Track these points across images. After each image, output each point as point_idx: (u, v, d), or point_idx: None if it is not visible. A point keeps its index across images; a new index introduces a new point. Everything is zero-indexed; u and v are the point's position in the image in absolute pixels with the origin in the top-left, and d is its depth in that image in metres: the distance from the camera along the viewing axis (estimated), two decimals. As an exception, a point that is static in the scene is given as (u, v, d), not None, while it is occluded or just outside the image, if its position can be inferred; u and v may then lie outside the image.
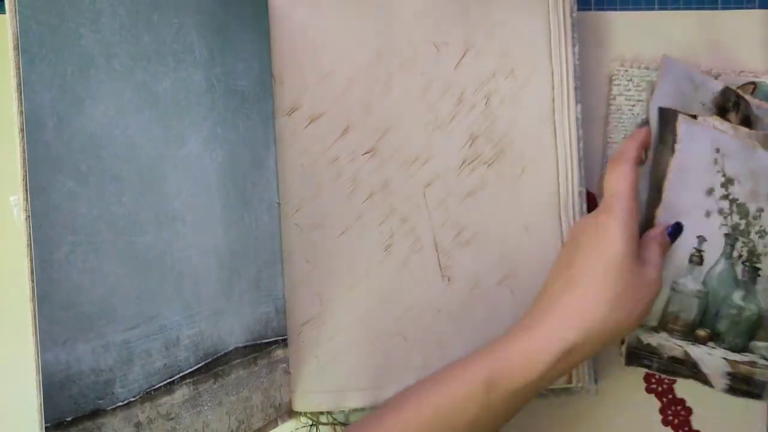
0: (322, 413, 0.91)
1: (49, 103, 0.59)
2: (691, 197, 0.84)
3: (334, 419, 0.94)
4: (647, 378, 0.95)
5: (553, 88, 0.90)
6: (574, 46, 0.90)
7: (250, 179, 0.81)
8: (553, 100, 0.90)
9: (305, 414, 0.90)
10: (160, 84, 0.68)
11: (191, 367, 0.72)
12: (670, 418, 0.95)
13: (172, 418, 0.69)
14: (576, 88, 0.90)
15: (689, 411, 0.95)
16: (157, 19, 0.68)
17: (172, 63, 0.70)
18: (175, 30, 0.71)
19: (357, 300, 0.89)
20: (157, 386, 0.67)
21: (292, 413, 0.88)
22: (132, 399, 0.65)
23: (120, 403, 0.64)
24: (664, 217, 0.85)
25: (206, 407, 0.74)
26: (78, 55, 0.61)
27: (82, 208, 0.60)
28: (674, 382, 0.94)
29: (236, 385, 0.78)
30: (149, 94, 0.67)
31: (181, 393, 0.70)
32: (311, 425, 0.92)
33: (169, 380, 0.69)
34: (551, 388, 0.89)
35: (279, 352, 0.85)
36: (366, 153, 0.89)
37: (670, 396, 0.95)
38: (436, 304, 0.90)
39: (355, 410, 0.90)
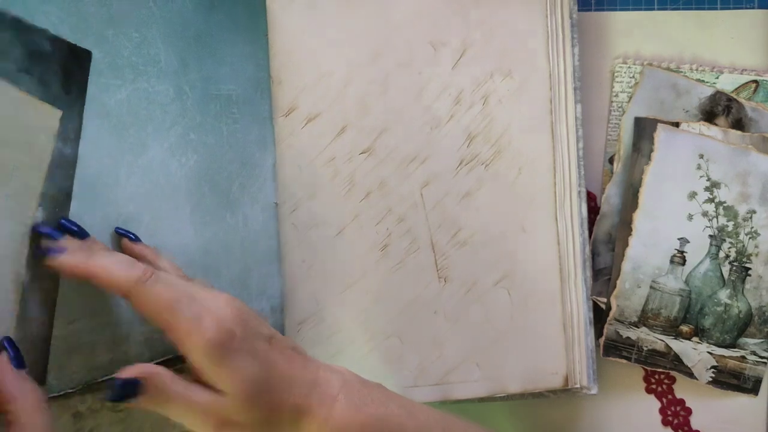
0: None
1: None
2: (670, 202, 0.93)
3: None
4: (647, 378, 1.00)
5: (550, 88, 0.93)
6: (574, 46, 0.94)
7: (238, 180, 0.85)
8: (551, 101, 0.93)
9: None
10: (113, 96, 0.71)
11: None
12: (670, 418, 1.00)
13: (120, 410, 0.72)
14: (576, 89, 0.94)
15: (689, 411, 1.00)
16: (112, 35, 0.71)
17: (130, 75, 0.73)
18: (135, 43, 0.74)
19: (353, 300, 0.92)
20: (100, 379, 0.69)
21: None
22: (70, 390, 0.66)
23: (54, 394, 0.65)
24: (642, 221, 0.93)
25: None
26: None
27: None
28: (674, 382, 0.99)
29: None
30: (99, 105, 0.70)
31: None
32: (308, 424, 0.95)
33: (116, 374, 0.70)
34: (551, 389, 0.93)
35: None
36: (363, 153, 0.92)
37: (670, 396, 1.00)
38: (432, 305, 0.93)
39: None
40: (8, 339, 0.60)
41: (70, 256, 0.63)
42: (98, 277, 0.63)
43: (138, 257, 0.70)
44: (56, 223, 0.65)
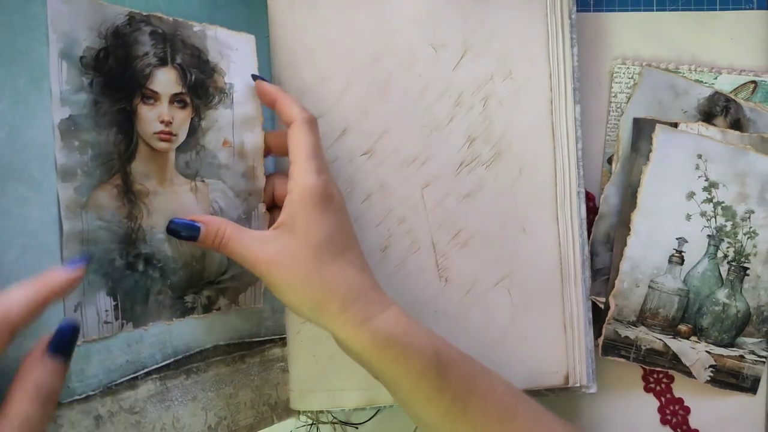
0: (321, 412, 0.95)
1: (0, 115, 0.65)
2: (669, 202, 0.95)
3: (335, 418, 0.99)
4: (645, 377, 1.02)
5: (551, 89, 0.95)
6: (573, 47, 0.95)
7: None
8: (552, 102, 0.95)
9: (304, 413, 0.94)
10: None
11: (157, 364, 0.76)
12: (669, 416, 1.02)
13: (136, 412, 0.74)
14: (575, 89, 0.95)
15: (687, 410, 1.02)
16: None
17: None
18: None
19: (355, 300, 0.92)
20: (118, 381, 0.72)
21: (290, 412, 0.92)
22: (91, 393, 0.69)
23: (77, 397, 0.68)
24: (640, 221, 0.95)
25: (176, 402, 0.78)
26: (30, 68, 0.66)
27: (34, 212, 0.65)
28: (672, 381, 1.01)
29: (216, 382, 0.82)
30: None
31: (146, 388, 0.75)
32: (311, 424, 0.97)
33: (132, 376, 0.74)
34: (550, 387, 0.95)
35: (275, 351, 0.90)
36: (364, 154, 0.93)
37: (669, 395, 1.01)
38: (433, 305, 0.94)
39: (354, 410, 0.94)
40: (71, 323, 0.63)
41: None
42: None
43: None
44: None
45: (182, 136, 0.77)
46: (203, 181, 0.79)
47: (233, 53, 0.82)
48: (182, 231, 0.75)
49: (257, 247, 0.75)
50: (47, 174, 0.65)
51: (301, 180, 0.77)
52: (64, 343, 0.61)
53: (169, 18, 0.76)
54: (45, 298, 0.59)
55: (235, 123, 0.82)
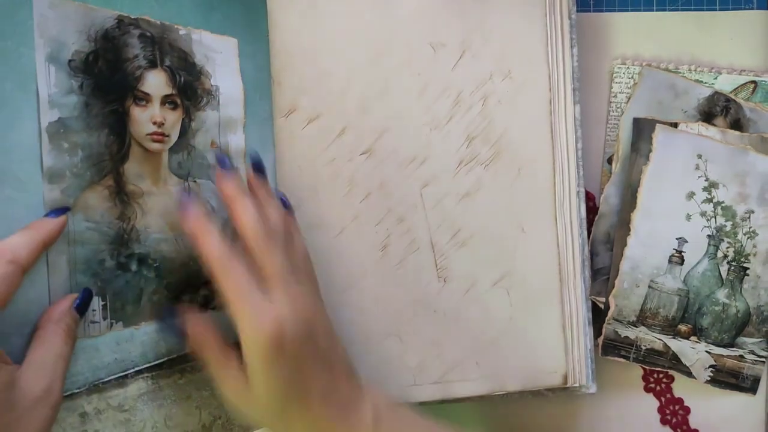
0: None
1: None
2: (669, 202, 0.94)
3: (333, 417, 0.98)
4: (645, 377, 1.02)
5: (550, 89, 0.95)
6: (573, 47, 0.96)
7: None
8: (551, 102, 0.95)
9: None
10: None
11: (149, 363, 0.77)
12: (669, 416, 1.02)
13: (125, 410, 0.74)
14: (575, 89, 0.96)
15: (687, 410, 1.02)
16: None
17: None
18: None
19: (353, 300, 0.93)
20: (106, 379, 0.72)
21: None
22: (76, 390, 0.69)
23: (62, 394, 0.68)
24: (640, 221, 0.93)
25: (169, 401, 0.78)
26: (18, 72, 0.66)
27: (19, 213, 0.66)
28: (672, 380, 1.02)
29: (211, 381, 0.80)
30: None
31: (137, 386, 0.75)
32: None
33: (122, 374, 0.74)
34: (550, 387, 0.95)
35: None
36: (363, 154, 0.93)
37: (669, 395, 1.01)
38: (432, 305, 0.94)
39: None
40: (90, 290, 0.70)
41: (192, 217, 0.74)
42: (195, 246, 0.73)
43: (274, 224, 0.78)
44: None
45: (174, 136, 0.78)
46: (195, 181, 0.80)
47: (218, 56, 0.83)
48: (168, 334, 0.77)
49: (230, 384, 0.74)
50: (33, 176, 0.66)
51: (245, 326, 0.71)
52: (84, 304, 0.69)
53: (157, 21, 0.76)
54: (43, 242, 0.65)
55: (221, 124, 0.83)
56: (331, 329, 0.79)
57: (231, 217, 0.76)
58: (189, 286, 0.80)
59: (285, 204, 0.85)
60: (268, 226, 0.76)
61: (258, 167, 0.83)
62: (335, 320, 0.91)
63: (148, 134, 0.75)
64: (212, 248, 0.72)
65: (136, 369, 0.75)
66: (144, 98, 0.75)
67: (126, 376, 0.74)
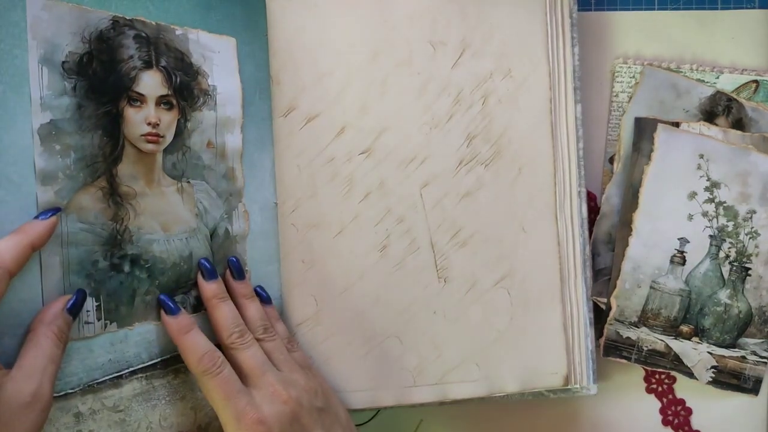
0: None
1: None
2: (670, 202, 0.94)
3: (332, 419, 0.98)
4: (647, 378, 1.02)
5: (550, 88, 0.95)
6: (574, 46, 0.95)
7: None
8: (551, 101, 0.95)
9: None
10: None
11: (143, 363, 0.77)
12: (670, 418, 1.02)
13: (120, 410, 0.75)
14: (576, 89, 0.96)
15: (689, 411, 1.02)
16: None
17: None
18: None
19: (352, 301, 0.93)
20: (100, 380, 0.73)
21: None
22: (70, 391, 0.70)
23: (56, 394, 0.68)
24: (642, 221, 0.93)
25: (164, 401, 0.79)
26: (11, 74, 0.66)
27: (12, 215, 0.66)
28: (674, 381, 1.01)
29: None
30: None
31: (131, 387, 0.76)
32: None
33: (116, 374, 0.74)
34: (551, 388, 0.95)
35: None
36: (362, 153, 0.93)
37: (670, 396, 1.01)
38: (432, 305, 0.94)
39: (354, 411, 0.93)
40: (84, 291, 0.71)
41: (173, 322, 0.77)
42: (181, 351, 0.77)
43: (252, 321, 0.84)
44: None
45: (169, 137, 0.78)
46: (189, 181, 0.80)
47: (215, 56, 0.83)
48: None
49: None
50: (26, 177, 0.66)
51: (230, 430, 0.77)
52: (77, 305, 0.70)
53: (152, 22, 0.76)
54: (29, 246, 0.65)
55: (218, 124, 0.83)
56: (327, 402, 0.84)
57: (209, 319, 0.82)
58: (180, 287, 0.80)
59: (262, 297, 0.89)
60: (244, 326, 0.82)
61: (236, 270, 0.86)
62: (335, 320, 0.91)
63: (142, 135, 0.75)
64: (196, 356, 0.76)
65: (131, 369, 0.76)
66: (138, 99, 0.75)
67: (120, 376, 0.75)
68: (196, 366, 0.76)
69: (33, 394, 0.63)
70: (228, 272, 0.86)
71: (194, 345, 0.76)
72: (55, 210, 0.68)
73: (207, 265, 0.82)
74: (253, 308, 0.85)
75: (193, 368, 0.76)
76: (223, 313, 0.81)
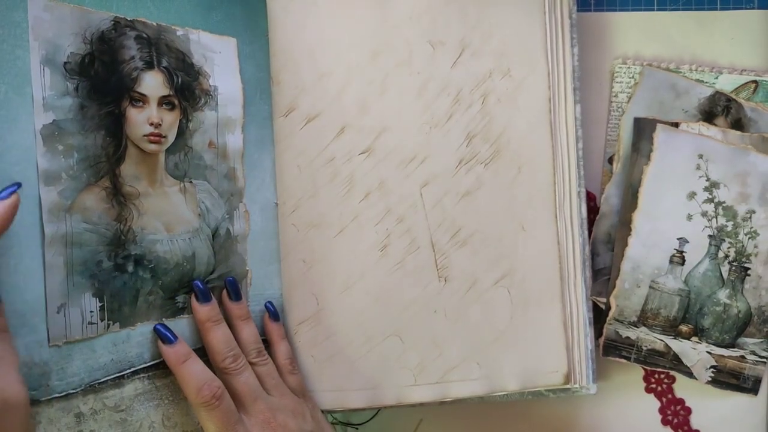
0: (321, 412, 0.94)
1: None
2: (670, 202, 0.95)
3: (335, 419, 1.00)
4: (646, 377, 1.02)
5: (550, 88, 0.95)
6: (573, 46, 0.96)
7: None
8: (551, 100, 0.95)
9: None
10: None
11: (145, 363, 0.78)
12: (670, 417, 1.02)
13: (122, 410, 0.75)
14: (575, 89, 0.96)
15: (688, 410, 1.02)
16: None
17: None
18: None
19: (353, 300, 0.94)
20: (102, 380, 0.73)
21: (288, 412, 0.93)
22: (71, 391, 0.71)
23: (57, 395, 0.69)
24: (641, 221, 0.93)
25: (166, 401, 0.80)
26: (13, 74, 0.67)
27: (16, 215, 0.66)
28: (674, 381, 1.01)
29: None
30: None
31: (133, 387, 0.76)
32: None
33: (118, 374, 0.75)
34: (550, 388, 0.95)
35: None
36: (362, 153, 0.93)
37: (670, 396, 1.01)
38: (432, 305, 0.95)
39: (354, 410, 0.95)
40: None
41: (171, 351, 0.77)
42: (180, 381, 0.78)
43: (245, 344, 0.86)
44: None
45: (171, 137, 0.78)
46: (191, 182, 0.81)
47: (216, 56, 0.83)
48: None
49: None
50: (29, 178, 0.66)
51: None
52: None
53: (153, 23, 0.77)
54: None
55: (219, 125, 0.84)
56: (318, 426, 0.87)
57: (203, 342, 0.83)
58: (182, 286, 0.81)
59: (270, 312, 0.91)
60: (238, 349, 0.84)
61: (233, 291, 0.87)
62: (336, 320, 0.92)
63: (144, 135, 0.76)
64: (195, 388, 0.77)
65: (133, 369, 0.76)
66: (141, 99, 0.75)
67: (122, 376, 0.75)
68: (195, 397, 0.76)
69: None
70: (225, 292, 0.86)
71: (192, 375, 0.77)
72: (16, 185, 0.65)
73: (200, 286, 0.82)
74: (247, 330, 0.86)
75: (191, 399, 0.77)
76: (217, 336, 0.82)
